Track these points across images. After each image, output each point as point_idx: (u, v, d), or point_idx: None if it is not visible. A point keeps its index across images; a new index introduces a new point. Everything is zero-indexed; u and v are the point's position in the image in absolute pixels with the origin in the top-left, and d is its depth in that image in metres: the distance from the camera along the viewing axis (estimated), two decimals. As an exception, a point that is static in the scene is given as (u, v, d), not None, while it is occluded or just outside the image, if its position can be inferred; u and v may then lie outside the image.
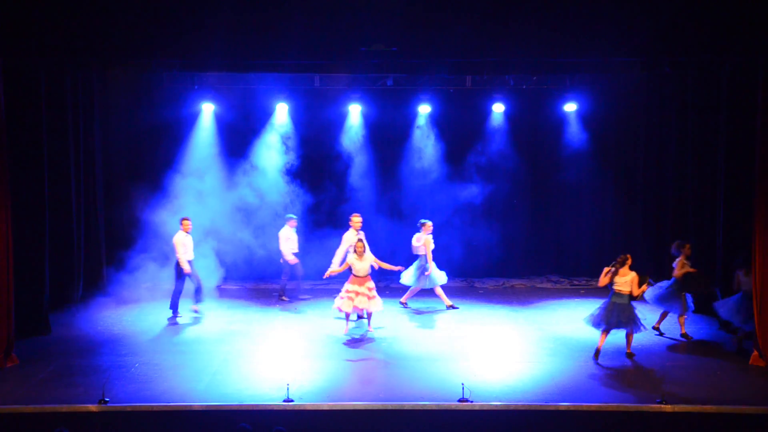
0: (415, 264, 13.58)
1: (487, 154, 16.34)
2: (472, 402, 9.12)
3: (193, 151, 15.81)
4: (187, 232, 12.99)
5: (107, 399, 9.11)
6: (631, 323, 10.69)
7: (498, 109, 16.12)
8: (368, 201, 16.08)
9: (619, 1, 11.05)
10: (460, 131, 16.40)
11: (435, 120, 16.30)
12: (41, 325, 11.98)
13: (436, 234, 13.68)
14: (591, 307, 13.80)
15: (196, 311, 13.20)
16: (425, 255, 13.40)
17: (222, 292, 14.76)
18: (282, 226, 14.17)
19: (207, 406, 9.13)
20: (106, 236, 14.97)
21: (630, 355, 10.89)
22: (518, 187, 16.44)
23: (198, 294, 13.19)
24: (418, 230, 13.58)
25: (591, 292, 15.26)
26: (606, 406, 9.13)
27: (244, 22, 11.08)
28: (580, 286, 15.84)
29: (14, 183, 11.14)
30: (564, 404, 9.19)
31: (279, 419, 8.71)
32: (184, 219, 13.10)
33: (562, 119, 16.22)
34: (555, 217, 16.63)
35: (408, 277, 13.57)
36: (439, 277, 13.63)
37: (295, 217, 14.27)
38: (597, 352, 10.81)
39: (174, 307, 12.95)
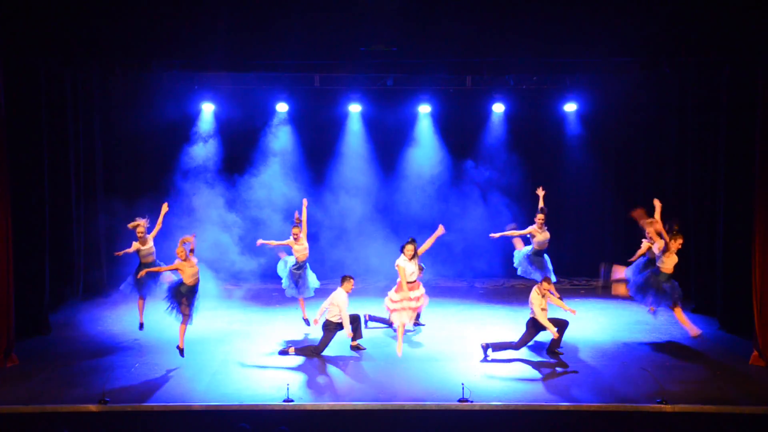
0: None
1: (487, 154, 16.34)
2: (472, 402, 9.11)
3: (193, 151, 15.81)
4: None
5: (107, 399, 9.11)
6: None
7: (498, 109, 16.11)
8: (367, 200, 16.07)
9: (618, 1, 11.05)
10: (460, 131, 16.40)
11: (435, 120, 16.30)
12: (41, 325, 11.99)
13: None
14: (591, 307, 13.89)
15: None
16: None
17: (222, 293, 14.76)
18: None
19: (207, 406, 9.13)
20: (105, 236, 14.96)
21: None
22: (518, 186, 16.42)
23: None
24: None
25: (591, 292, 15.26)
26: (606, 406, 9.13)
27: (244, 22, 11.08)
28: (580, 286, 15.83)
29: (14, 183, 11.14)
30: (564, 404, 9.19)
31: (279, 419, 8.72)
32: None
33: (562, 119, 16.21)
34: (555, 216, 16.60)
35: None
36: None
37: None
38: None
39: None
